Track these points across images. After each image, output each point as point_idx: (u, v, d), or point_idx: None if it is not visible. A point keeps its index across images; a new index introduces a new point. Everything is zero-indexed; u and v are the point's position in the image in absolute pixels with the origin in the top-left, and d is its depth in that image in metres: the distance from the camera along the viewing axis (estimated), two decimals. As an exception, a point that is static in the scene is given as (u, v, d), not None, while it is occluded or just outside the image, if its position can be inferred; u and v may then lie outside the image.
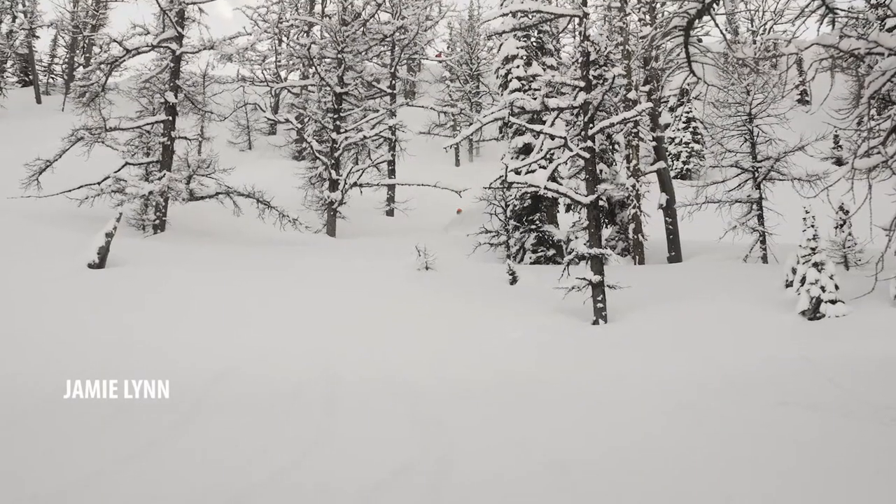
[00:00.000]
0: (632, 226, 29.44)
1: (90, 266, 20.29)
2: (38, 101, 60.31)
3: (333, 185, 33.93)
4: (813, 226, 17.92)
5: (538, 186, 19.72)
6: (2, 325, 14.40)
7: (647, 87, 30.13)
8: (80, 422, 8.91)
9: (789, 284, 18.56)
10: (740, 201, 27.72)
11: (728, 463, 7.83)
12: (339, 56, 35.44)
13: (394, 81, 39.21)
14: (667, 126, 31.40)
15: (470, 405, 10.78)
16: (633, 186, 29.58)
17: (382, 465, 7.44)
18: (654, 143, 30.72)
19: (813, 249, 17.77)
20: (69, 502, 6.01)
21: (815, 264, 17.59)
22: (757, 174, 27.57)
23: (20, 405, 9.64)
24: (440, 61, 51.97)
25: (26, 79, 65.08)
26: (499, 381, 12.89)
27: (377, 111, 36.70)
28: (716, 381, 12.40)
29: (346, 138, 34.86)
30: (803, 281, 17.64)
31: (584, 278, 19.10)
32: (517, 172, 20.92)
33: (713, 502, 6.60)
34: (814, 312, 17.03)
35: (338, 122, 35.06)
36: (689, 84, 28.57)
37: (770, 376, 12.44)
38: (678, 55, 23.96)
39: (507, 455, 8.10)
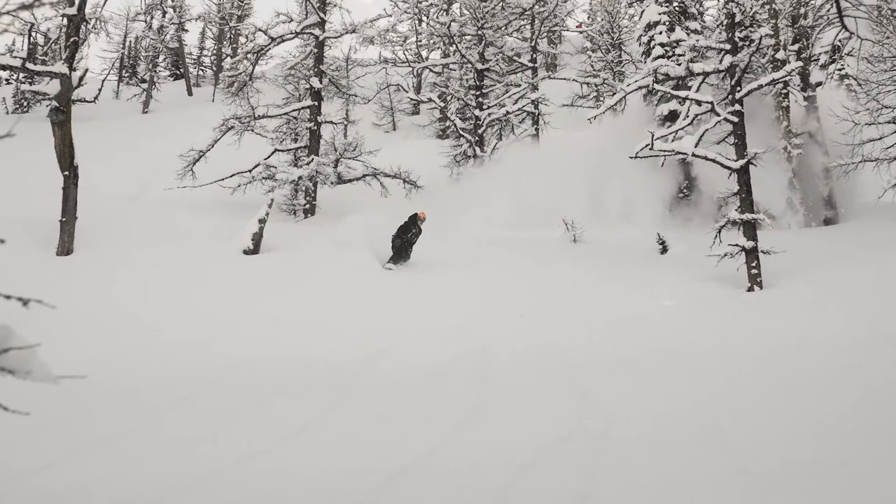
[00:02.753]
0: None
1: (245, 252, 20.85)
2: (190, 93, 62.16)
3: (478, 162, 33.96)
4: (979, 180, 17.15)
5: (686, 153, 19.36)
6: (176, 309, 15.03)
7: (795, 46, 29.23)
8: (244, 399, 9.18)
9: (956, 243, 17.82)
10: (899, 158, 26.71)
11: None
12: (479, 32, 35.40)
13: (535, 55, 38.87)
14: (818, 85, 30.34)
15: (623, 374, 10.70)
16: (785, 148, 28.76)
17: (537, 438, 7.42)
18: (805, 103, 29.81)
19: (980, 205, 17.03)
20: (232, 478, 6.18)
21: (984, 221, 16.85)
22: (917, 129, 26.52)
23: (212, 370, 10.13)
24: (581, 32, 51.39)
25: (177, 72, 67.11)
26: (652, 350, 12.76)
27: (519, 86, 36.51)
28: (882, 345, 12.01)
29: (490, 114, 34.85)
30: (971, 239, 16.93)
31: (737, 244, 18.70)
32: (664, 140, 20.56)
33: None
34: (983, 272, 16.35)
35: (480, 99, 35.08)
36: (841, 40, 27.57)
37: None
38: (829, 10, 23.20)
39: (659, 423, 8.01)
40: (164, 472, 6.28)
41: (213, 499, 5.68)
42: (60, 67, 20.42)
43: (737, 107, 19.13)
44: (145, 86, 56.56)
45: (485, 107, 35.02)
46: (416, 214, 21.73)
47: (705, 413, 8.35)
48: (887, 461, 6.48)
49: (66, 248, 20.46)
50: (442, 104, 37.69)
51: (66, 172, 20.79)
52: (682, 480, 6.16)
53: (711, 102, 19.12)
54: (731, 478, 6.20)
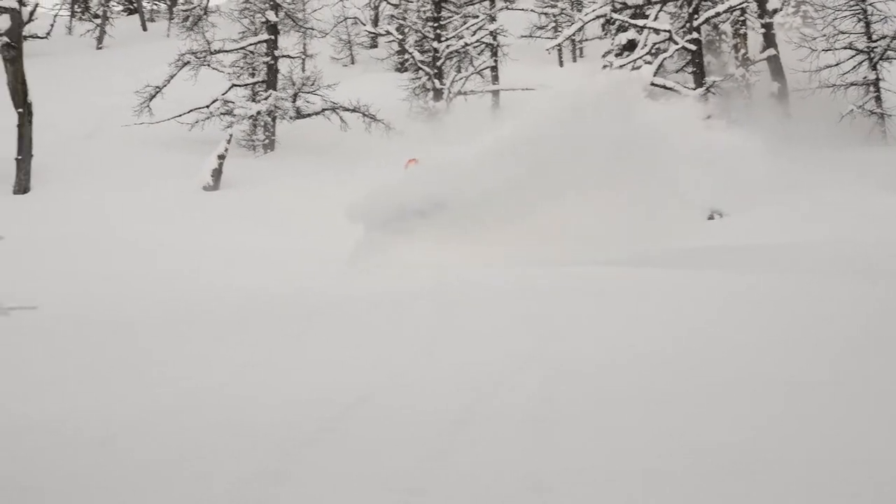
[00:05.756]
0: (743, 117, 28.76)
1: (205, 188, 20.77)
2: (144, 28, 61.06)
3: (437, 95, 33.85)
4: (935, 103, 17.41)
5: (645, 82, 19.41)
6: (136, 244, 14.94)
7: (753, -28, 29.22)
8: (216, 325, 9.19)
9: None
10: (856, 84, 26.86)
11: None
12: (436, -38, 35.11)
13: (492, -15, 38.68)
14: (775, 11, 30.35)
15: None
16: (743, 76, 28.84)
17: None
18: (762, 31, 29.86)
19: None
20: (203, 405, 6.22)
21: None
22: (872, 54, 26.65)
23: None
24: (538, -39, 51.02)
25: (131, 7, 65.82)
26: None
27: (477, 17, 36.28)
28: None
29: (448, 46, 34.66)
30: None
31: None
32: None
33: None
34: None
35: (438, 31, 34.85)
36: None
37: None
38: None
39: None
40: (132, 403, 6.30)
41: (179, 426, 5.72)
42: (10, 1, 20.09)
43: (694, 35, 19.17)
44: (98, 21, 55.52)
45: (443, 39, 34.79)
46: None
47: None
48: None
49: (22, 186, 20.30)
50: (400, 37, 37.40)
51: (20, 109, 20.57)
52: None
53: (669, 31, 19.18)
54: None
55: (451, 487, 4.44)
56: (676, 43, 19.06)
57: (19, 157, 20.27)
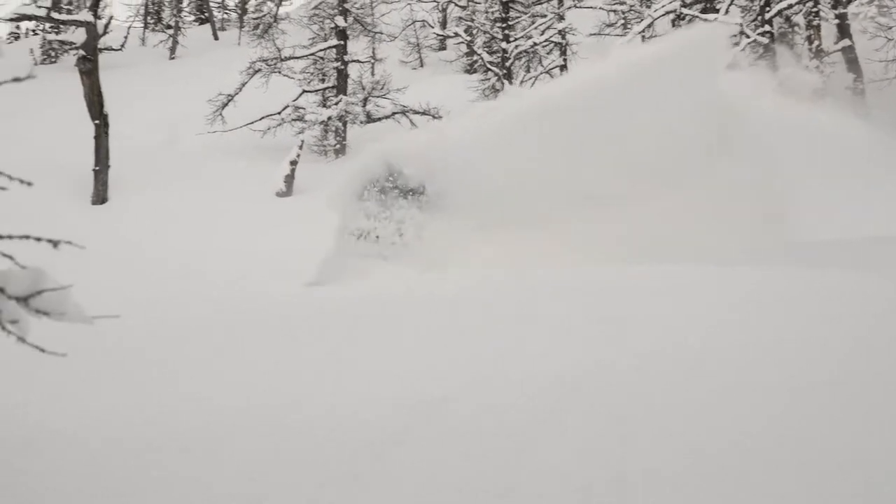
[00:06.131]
0: (818, 110, 28.28)
1: (278, 194, 20.98)
2: (216, 37, 61.78)
3: (507, 95, 33.82)
4: None
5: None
6: (213, 253, 15.17)
7: (826, -38, 28.75)
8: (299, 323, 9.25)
9: None
10: (934, 73, 26.34)
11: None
12: (503, -38, 35.12)
13: (560, -17, 38.56)
14: (850, 1, 29.83)
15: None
16: (817, 68, 28.36)
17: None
18: (836, 21, 29.33)
19: None
20: (279, 408, 6.23)
21: None
22: (951, 43, 26.13)
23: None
24: (606, -42, 50.68)
25: (202, 16, 66.71)
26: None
27: (545, 16, 36.19)
28: None
29: (517, 47, 34.64)
30: None
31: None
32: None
33: None
34: None
35: (506, 31, 34.84)
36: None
37: None
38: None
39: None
40: (204, 409, 6.34)
41: (253, 428, 5.74)
42: (85, 15, 20.50)
43: (767, 27, 18.90)
44: (171, 31, 56.38)
45: (511, 39, 34.79)
46: None
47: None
48: None
49: (100, 196, 20.67)
50: (468, 38, 37.47)
51: (97, 121, 20.95)
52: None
53: (741, 24, 18.93)
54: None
55: (538, 486, 4.41)
56: (748, 36, 18.80)
57: (97, 168, 20.65)
